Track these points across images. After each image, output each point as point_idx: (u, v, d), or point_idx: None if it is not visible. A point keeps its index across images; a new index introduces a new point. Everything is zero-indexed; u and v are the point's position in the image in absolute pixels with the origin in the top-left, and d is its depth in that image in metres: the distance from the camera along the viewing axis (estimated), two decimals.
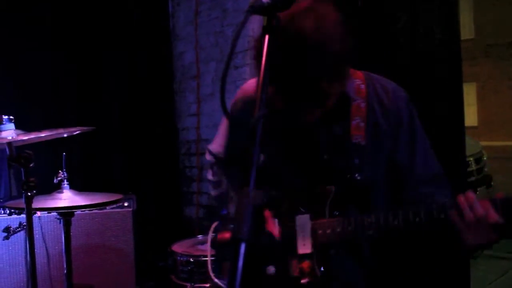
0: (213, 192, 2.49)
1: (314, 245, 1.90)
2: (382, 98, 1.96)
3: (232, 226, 0.96)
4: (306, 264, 1.90)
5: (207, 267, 3.34)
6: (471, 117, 20.50)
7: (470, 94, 20.41)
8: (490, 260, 6.09)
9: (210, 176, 2.52)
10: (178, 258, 3.51)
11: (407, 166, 1.95)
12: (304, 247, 1.91)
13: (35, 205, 2.94)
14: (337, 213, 1.90)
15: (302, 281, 1.89)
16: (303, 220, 1.93)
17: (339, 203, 1.91)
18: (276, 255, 1.88)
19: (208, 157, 2.50)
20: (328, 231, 1.88)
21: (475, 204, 1.66)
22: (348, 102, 1.92)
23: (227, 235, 0.99)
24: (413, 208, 1.74)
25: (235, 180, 2.30)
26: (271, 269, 1.89)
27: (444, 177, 1.98)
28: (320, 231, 1.89)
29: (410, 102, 2.00)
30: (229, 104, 2.19)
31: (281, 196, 1.98)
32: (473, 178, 6.76)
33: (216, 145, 2.42)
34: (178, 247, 3.65)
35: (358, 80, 1.97)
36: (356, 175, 1.92)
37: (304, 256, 1.90)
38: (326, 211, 1.91)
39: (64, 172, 3.24)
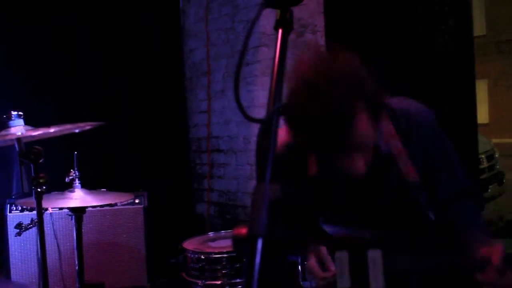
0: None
1: (385, 282, 1.95)
2: (409, 130, 1.97)
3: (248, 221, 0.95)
4: None
5: (221, 264, 3.36)
6: (482, 114, 20.39)
7: (481, 91, 20.31)
8: None
9: None
10: (189, 255, 3.50)
11: (437, 186, 1.97)
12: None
13: (47, 204, 2.96)
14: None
15: None
16: (375, 255, 1.97)
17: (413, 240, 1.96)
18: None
19: None
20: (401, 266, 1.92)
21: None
22: (387, 155, 1.94)
23: (243, 230, 0.97)
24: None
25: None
26: None
27: (470, 189, 2.01)
28: (394, 267, 1.93)
29: (434, 120, 2.02)
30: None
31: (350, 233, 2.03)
32: (485, 175, 6.74)
33: None
34: (189, 244, 3.64)
35: (384, 122, 1.94)
36: (428, 214, 1.93)
37: None
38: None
39: (76, 171, 3.25)
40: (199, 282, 3.40)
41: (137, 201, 4.12)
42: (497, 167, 7.29)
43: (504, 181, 7.27)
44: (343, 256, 1.96)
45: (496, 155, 7.37)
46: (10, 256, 3.82)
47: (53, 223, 3.75)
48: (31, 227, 3.83)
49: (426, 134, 1.98)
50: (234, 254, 3.33)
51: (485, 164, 6.84)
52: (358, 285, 1.96)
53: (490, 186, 6.85)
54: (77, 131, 3.02)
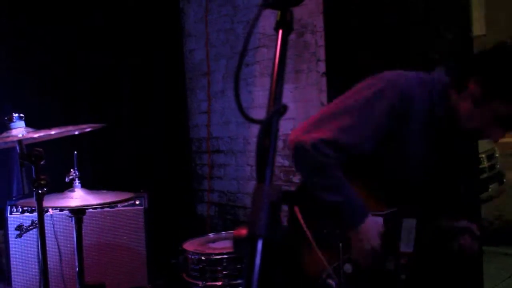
0: (331, 197, 2.09)
1: (415, 247, 2.10)
2: None
3: (249, 222, 0.95)
4: (405, 261, 2.09)
5: (222, 265, 3.36)
6: None
7: None
8: (503, 257, 6.05)
9: (323, 179, 2.11)
10: (190, 256, 3.50)
11: None
12: (407, 247, 2.10)
13: (47, 203, 2.95)
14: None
15: (402, 276, 2.08)
16: (410, 223, 2.12)
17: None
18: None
19: (327, 150, 2.04)
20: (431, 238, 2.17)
21: None
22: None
23: (243, 231, 0.97)
24: None
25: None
26: (348, 268, 2.10)
27: None
28: (425, 237, 2.13)
29: None
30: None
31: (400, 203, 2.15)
32: (485, 175, 6.72)
33: (350, 136, 2.06)
34: (189, 245, 3.64)
35: None
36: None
37: (404, 254, 2.10)
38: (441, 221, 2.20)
39: (76, 171, 3.25)
40: (200, 283, 3.40)
41: (137, 202, 4.11)
42: (498, 166, 7.27)
43: (504, 180, 7.25)
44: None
45: (497, 155, 7.35)
46: (11, 258, 3.82)
47: (53, 225, 3.75)
48: (31, 229, 3.83)
49: None
50: (235, 255, 3.33)
51: (485, 164, 6.82)
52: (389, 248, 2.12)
53: (490, 186, 6.82)
54: (77, 132, 3.02)
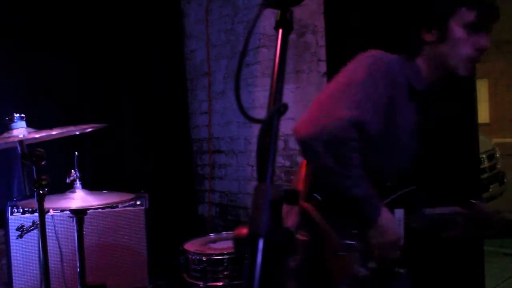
0: (356, 191, 1.89)
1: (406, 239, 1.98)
2: None
3: (249, 221, 0.95)
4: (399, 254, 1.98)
5: (223, 265, 3.36)
6: (483, 114, 20.36)
7: (482, 91, 20.26)
8: (505, 258, 6.05)
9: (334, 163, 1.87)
10: (191, 256, 3.51)
11: None
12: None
13: (48, 204, 2.95)
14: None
15: (400, 270, 1.97)
16: (399, 214, 2.01)
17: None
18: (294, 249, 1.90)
19: (353, 133, 1.87)
20: (415, 225, 1.99)
21: None
22: None
23: (244, 230, 0.97)
24: None
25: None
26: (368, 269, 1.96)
27: None
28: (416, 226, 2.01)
29: None
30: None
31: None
32: (485, 175, 6.72)
33: (360, 110, 1.89)
34: (190, 246, 3.64)
35: None
36: None
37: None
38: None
39: (77, 172, 3.25)
40: (201, 283, 3.40)
41: (138, 202, 4.12)
42: (498, 166, 7.27)
43: (505, 180, 7.25)
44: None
45: (497, 155, 7.36)
46: (12, 258, 3.82)
47: (54, 225, 3.75)
48: (32, 229, 3.84)
49: None
50: (235, 255, 3.33)
51: (486, 164, 6.82)
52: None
53: (491, 186, 6.82)
54: (78, 132, 3.02)
